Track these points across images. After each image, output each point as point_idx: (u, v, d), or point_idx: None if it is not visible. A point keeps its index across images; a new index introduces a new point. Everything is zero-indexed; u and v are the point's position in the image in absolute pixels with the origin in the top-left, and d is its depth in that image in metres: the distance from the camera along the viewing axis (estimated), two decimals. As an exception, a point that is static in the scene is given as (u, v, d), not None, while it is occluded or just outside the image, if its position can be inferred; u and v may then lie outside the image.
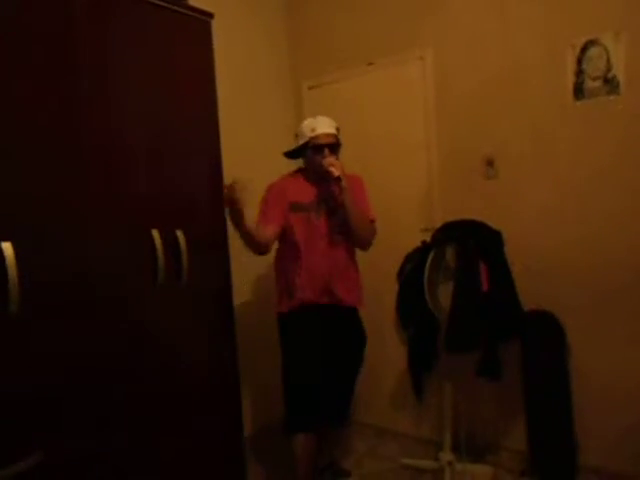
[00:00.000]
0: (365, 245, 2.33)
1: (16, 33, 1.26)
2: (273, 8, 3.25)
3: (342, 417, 2.49)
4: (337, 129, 2.27)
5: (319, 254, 2.23)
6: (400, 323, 2.87)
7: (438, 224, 2.59)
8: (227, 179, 1.86)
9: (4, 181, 1.22)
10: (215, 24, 1.82)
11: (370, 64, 2.95)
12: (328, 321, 2.28)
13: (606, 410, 2.33)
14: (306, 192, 2.27)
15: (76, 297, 1.37)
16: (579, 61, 2.30)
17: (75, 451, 1.35)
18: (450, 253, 2.38)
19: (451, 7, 2.64)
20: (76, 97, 1.39)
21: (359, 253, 2.43)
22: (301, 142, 2.26)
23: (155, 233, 1.56)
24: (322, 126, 2.22)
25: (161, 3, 1.62)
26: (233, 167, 2.13)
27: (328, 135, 2.21)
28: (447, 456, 2.48)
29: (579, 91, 2.31)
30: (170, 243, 1.61)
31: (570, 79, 2.32)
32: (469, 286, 2.25)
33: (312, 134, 2.20)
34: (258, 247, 2.12)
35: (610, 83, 2.23)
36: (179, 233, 1.63)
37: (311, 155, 2.23)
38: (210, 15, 1.80)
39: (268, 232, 2.15)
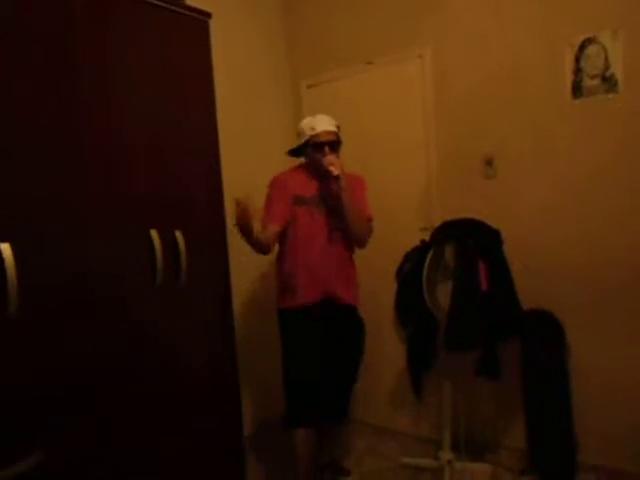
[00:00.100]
0: (361, 243, 2.35)
1: (16, 33, 1.26)
2: (271, 7, 3.25)
3: (342, 414, 2.50)
4: (337, 127, 2.29)
5: (319, 250, 2.25)
6: (399, 322, 2.87)
7: (437, 223, 2.59)
8: (226, 179, 1.87)
9: (3, 181, 1.22)
10: (213, 24, 1.82)
11: (369, 63, 2.95)
12: (328, 319, 2.29)
13: (605, 408, 2.33)
14: (308, 187, 2.29)
15: (75, 297, 1.37)
16: (577, 59, 2.30)
17: (75, 451, 1.35)
18: (449, 252, 2.38)
19: (450, 6, 2.63)
20: (76, 97, 1.39)
21: (359, 252, 2.44)
22: (302, 140, 2.28)
23: (154, 233, 1.56)
24: (322, 124, 2.23)
25: (159, 3, 1.62)
26: (232, 167, 2.13)
27: (328, 133, 2.22)
28: (447, 455, 2.49)
29: (577, 89, 2.31)
30: (169, 243, 1.61)
31: (568, 77, 2.32)
32: (468, 285, 2.25)
33: (312, 132, 2.22)
34: (262, 249, 2.15)
35: (608, 81, 2.23)
36: (178, 233, 1.63)
37: (311, 153, 2.25)
38: (208, 15, 1.80)
39: (270, 233, 2.17)
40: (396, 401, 3.00)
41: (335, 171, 2.13)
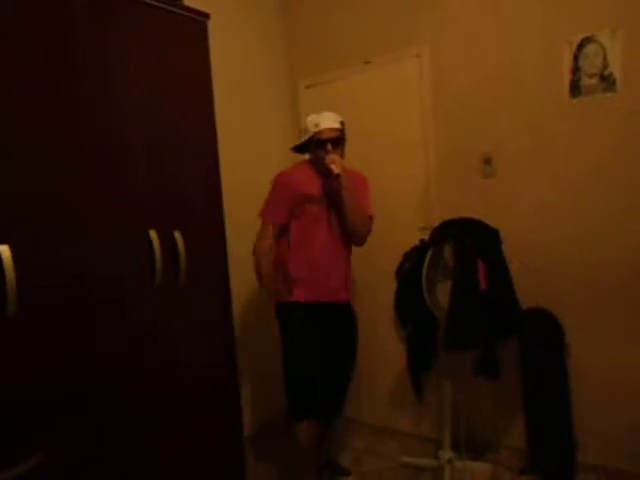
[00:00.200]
0: (360, 241, 2.37)
1: (16, 33, 1.26)
2: (269, 8, 3.25)
3: (338, 409, 2.51)
4: (342, 123, 2.30)
5: (321, 247, 2.27)
6: (399, 322, 2.87)
7: (436, 223, 2.59)
8: (225, 179, 1.87)
9: (2, 182, 1.22)
10: (211, 24, 1.82)
11: (367, 62, 2.95)
12: (324, 315, 2.31)
13: (604, 408, 2.33)
14: (314, 183, 2.30)
15: (74, 298, 1.37)
16: (575, 58, 2.30)
17: (75, 451, 1.35)
18: (448, 251, 2.38)
19: (448, 4, 2.64)
20: (75, 97, 1.39)
21: (359, 252, 2.45)
22: (306, 137, 2.30)
23: (153, 234, 1.56)
24: (326, 121, 2.25)
25: (157, 4, 1.62)
26: (230, 167, 2.13)
27: (331, 130, 2.25)
28: (447, 454, 2.49)
29: (575, 88, 2.31)
30: (168, 243, 1.61)
31: (567, 76, 2.33)
32: (467, 284, 2.25)
33: (315, 129, 2.25)
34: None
35: (606, 80, 2.24)
36: (177, 233, 1.64)
37: (315, 150, 2.28)
38: (206, 15, 1.80)
39: (269, 239, 2.27)
40: (396, 401, 3.00)
41: (336, 169, 2.15)
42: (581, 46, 2.28)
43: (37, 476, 1.25)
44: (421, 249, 2.44)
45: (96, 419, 1.41)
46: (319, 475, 2.47)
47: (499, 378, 2.37)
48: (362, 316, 2.60)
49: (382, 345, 2.97)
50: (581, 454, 2.34)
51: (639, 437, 2.25)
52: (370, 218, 2.35)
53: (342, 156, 2.27)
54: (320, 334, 2.29)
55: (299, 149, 2.43)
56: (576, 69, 2.30)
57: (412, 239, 2.60)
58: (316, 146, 2.27)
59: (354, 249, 2.42)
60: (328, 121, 2.25)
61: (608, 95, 2.24)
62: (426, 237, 2.53)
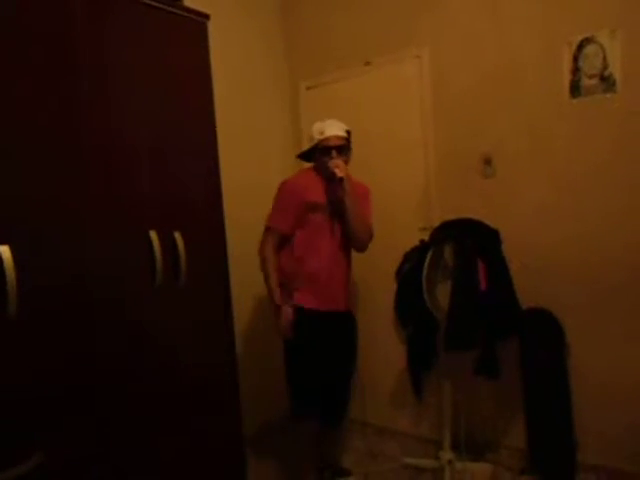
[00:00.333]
0: (361, 248, 2.38)
1: (16, 33, 1.26)
2: (269, 9, 3.25)
3: (340, 414, 2.52)
4: (348, 132, 2.32)
5: (329, 255, 2.28)
6: (399, 322, 2.87)
7: (436, 223, 2.59)
8: (225, 180, 1.87)
9: (2, 183, 1.22)
10: (211, 25, 1.82)
11: (367, 63, 2.95)
12: (326, 322, 2.31)
13: (605, 408, 2.33)
14: (320, 191, 2.30)
15: (74, 298, 1.37)
16: (575, 59, 2.30)
17: (75, 451, 1.35)
18: (448, 252, 2.38)
19: (447, 5, 2.64)
20: (75, 97, 1.39)
21: (357, 253, 2.46)
22: (311, 144, 2.32)
23: (153, 234, 1.57)
24: (331, 129, 2.26)
25: (157, 4, 1.62)
26: (231, 168, 2.14)
27: (337, 137, 2.26)
28: (447, 455, 2.49)
29: (575, 89, 2.32)
30: (168, 244, 1.61)
31: (566, 77, 2.33)
32: (467, 285, 2.25)
33: (321, 137, 2.26)
34: None
35: (606, 81, 2.24)
36: (177, 234, 1.64)
37: (319, 157, 2.29)
38: (206, 16, 1.80)
39: (273, 248, 2.29)
40: (396, 401, 3.00)
41: (339, 173, 2.17)
42: (581, 47, 2.28)
43: (37, 476, 1.25)
44: (421, 250, 2.45)
45: (96, 419, 1.41)
46: (320, 476, 2.48)
47: (499, 378, 2.37)
48: (362, 317, 2.61)
49: (382, 346, 2.97)
50: (581, 454, 2.34)
51: (639, 437, 2.25)
52: (370, 236, 2.37)
53: (347, 164, 2.28)
54: (321, 340, 2.30)
55: (305, 157, 2.44)
56: (576, 70, 2.31)
57: (412, 240, 2.60)
58: (321, 153, 2.27)
59: (354, 252, 2.42)
60: (333, 129, 2.26)
61: (608, 96, 2.24)
62: (426, 238, 2.53)
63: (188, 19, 1.74)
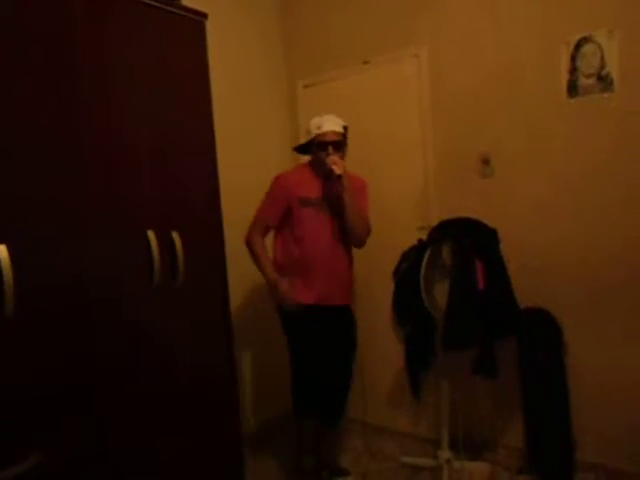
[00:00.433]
0: (360, 243, 2.39)
1: (16, 33, 1.26)
2: (267, 8, 3.25)
3: (339, 409, 2.52)
4: (345, 127, 2.33)
5: (324, 249, 2.29)
6: (397, 322, 2.88)
7: (434, 222, 2.59)
8: (223, 179, 1.87)
9: (0, 182, 1.22)
10: (209, 24, 1.82)
11: (365, 62, 2.95)
12: (326, 318, 2.33)
13: (603, 407, 2.33)
14: (313, 186, 2.32)
15: (72, 298, 1.37)
16: (573, 58, 2.30)
17: (73, 451, 1.35)
18: (446, 251, 2.38)
19: (446, 5, 2.64)
20: (75, 97, 1.39)
21: (357, 253, 2.47)
22: (308, 138, 2.32)
23: (151, 234, 1.56)
24: (328, 124, 2.27)
25: (155, 3, 1.61)
26: (229, 167, 2.13)
27: (334, 133, 2.26)
28: (445, 454, 2.49)
29: (573, 88, 2.32)
30: (166, 244, 1.61)
31: (564, 77, 2.33)
32: (465, 284, 2.25)
33: (318, 131, 2.27)
34: None
35: (604, 80, 2.24)
36: (175, 234, 1.63)
37: (316, 152, 2.30)
38: (204, 15, 1.80)
39: (259, 234, 2.33)
40: (394, 401, 3.00)
41: (337, 170, 2.17)
42: (578, 46, 2.29)
43: (35, 476, 1.25)
44: (419, 249, 2.45)
45: (94, 419, 1.41)
46: (318, 475, 2.48)
47: (497, 378, 2.37)
48: (360, 316, 2.61)
49: (380, 345, 2.97)
50: (579, 453, 2.35)
51: (638, 436, 2.25)
52: (368, 231, 2.38)
53: (343, 159, 2.29)
54: (320, 335, 2.32)
55: (301, 150, 2.44)
56: (574, 69, 2.31)
57: (410, 239, 2.60)
58: (317, 148, 2.28)
59: (354, 249, 2.43)
60: (331, 124, 2.27)
61: (605, 95, 2.24)
62: (424, 237, 2.53)
63: (186, 18, 1.74)
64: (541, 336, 2.40)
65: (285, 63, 3.34)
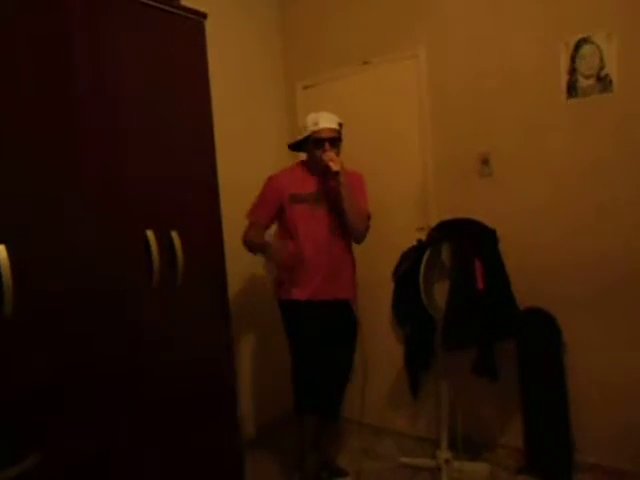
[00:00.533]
0: (359, 239, 2.39)
1: (15, 33, 1.25)
2: (267, 8, 3.25)
3: (337, 405, 2.54)
4: (340, 124, 2.34)
5: (320, 245, 2.29)
6: (396, 322, 2.88)
7: (433, 223, 2.60)
8: (222, 179, 1.87)
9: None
10: (208, 24, 1.82)
11: (365, 63, 2.95)
12: (326, 313, 2.34)
13: (602, 407, 2.34)
14: (307, 183, 2.33)
15: (72, 298, 1.37)
16: (572, 59, 2.31)
17: (73, 453, 1.35)
18: (446, 252, 2.39)
19: (445, 5, 2.64)
20: (75, 97, 1.39)
21: (356, 253, 2.46)
22: (303, 135, 2.32)
23: (150, 234, 1.56)
24: (324, 121, 2.28)
25: (154, 3, 1.61)
26: (228, 167, 2.13)
27: (330, 130, 2.27)
28: (444, 454, 2.49)
29: (572, 89, 2.32)
30: (165, 244, 1.61)
31: (564, 77, 2.33)
32: (465, 284, 2.26)
33: (314, 128, 2.27)
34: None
35: (603, 81, 2.24)
36: (174, 233, 1.63)
37: (312, 148, 2.30)
38: (203, 15, 1.79)
39: (257, 236, 2.33)
40: (393, 401, 3.00)
41: (334, 167, 2.18)
42: (578, 47, 2.29)
43: (35, 477, 1.24)
44: (418, 249, 2.45)
45: (94, 419, 1.41)
46: (318, 476, 2.48)
47: (497, 378, 2.37)
48: (360, 316, 2.60)
49: (380, 345, 2.97)
50: (579, 454, 2.35)
51: (637, 436, 2.25)
52: (368, 217, 2.36)
53: (338, 156, 2.29)
54: (320, 331, 2.33)
55: (296, 147, 2.44)
56: (573, 70, 2.31)
57: (409, 239, 2.60)
58: (313, 145, 2.28)
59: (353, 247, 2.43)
60: (327, 121, 2.28)
61: (604, 96, 2.25)
62: (423, 237, 2.54)
63: (185, 18, 1.74)
64: (540, 336, 2.40)
65: (284, 63, 3.34)
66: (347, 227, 2.31)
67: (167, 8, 1.66)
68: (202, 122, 1.80)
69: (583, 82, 2.29)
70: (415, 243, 2.54)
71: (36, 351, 1.29)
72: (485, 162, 2.58)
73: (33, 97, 1.30)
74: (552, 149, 2.40)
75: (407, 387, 2.68)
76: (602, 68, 2.24)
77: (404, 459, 2.64)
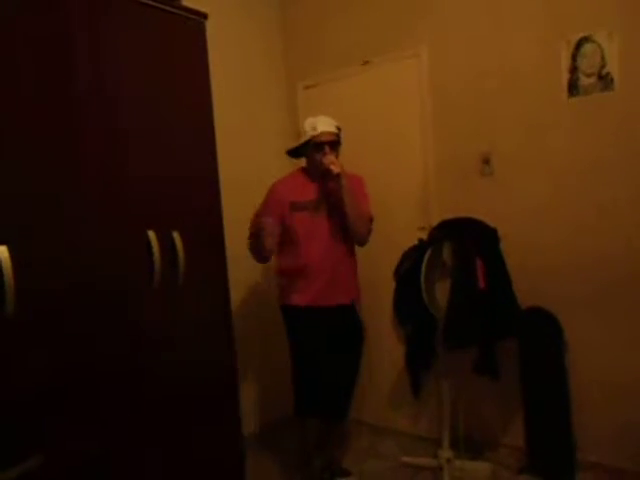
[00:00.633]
0: (362, 241, 2.39)
1: (15, 33, 1.26)
2: (267, 9, 3.25)
3: (343, 409, 2.53)
4: (338, 128, 2.34)
5: (321, 251, 2.29)
6: (397, 321, 2.88)
7: (435, 222, 2.60)
8: (223, 180, 1.87)
9: (0, 183, 1.22)
10: (209, 25, 1.82)
11: (366, 63, 2.95)
12: (330, 318, 2.34)
13: (604, 406, 2.33)
14: (307, 190, 2.33)
15: (73, 298, 1.37)
16: (573, 58, 2.30)
17: (74, 453, 1.35)
18: (447, 251, 2.39)
19: (446, 5, 2.64)
20: (75, 98, 1.39)
21: (357, 253, 2.46)
22: (302, 140, 2.32)
23: (151, 234, 1.56)
24: (323, 125, 2.28)
25: (155, 4, 1.61)
26: (229, 168, 2.13)
27: (329, 133, 2.27)
28: (446, 453, 2.49)
29: (574, 88, 2.32)
30: (166, 244, 1.61)
31: (565, 76, 2.33)
32: (466, 283, 2.26)
33: (313, 132, 2.28)
34: (265, 255, 2.25)
35: (604, 80, 2.24)
36: (175, 234, 1.63)
37: (312, 153, 2.30)
38: (204, 16, 1.79)
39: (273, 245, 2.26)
40: (395, 401, 3.00)
41: (335, 170, 2.18)
42: (579, 45, 2.29)
43: (36, 478, 1.24)
44: (420, 249, 2.45)
45: (95, 420, 1.41)
46: (320, 476, 2.48)
47: (498, 377, 2.37)
48: (362, 315, 2.61)
49: (381, 345, 2.97)
50: (580, 453, 2.35)
51: (637, 435, 2.25)
52: (370, 219, 2.36)
53: (337, 158, 2.29)
54: (324, 336, 2.32)
55: (294, 153, 2.44)
56: (574, 68, 2.31)
57: (411, 239, 2.60)
58: (313, 149, 2.28)
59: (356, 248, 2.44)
60: (325, 125, 2.28)
61: (606, 94, 2.24)
62: (425, 237, 2.53)
63: (186, 18, 1.74)
64: (542, 335, 2.40)
65: (285, 64, 3.34)
66: (349, 230, 2.31)
67: (168, 8, 1.66)
68: (203, 122, 1.80)
69: (584, 80, 2.29)
70: (416, 242, 2.54)
71: (37, 351, 1.29)
72: (486, 161, 2.58)
73: (33, 97, 1.30)
74: (553, 148, 2.39)
75: (408, 386, 2.68)
76: (603, 66, 2.24)
77: (406, 458, 2.64)
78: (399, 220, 2.88)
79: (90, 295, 1.41)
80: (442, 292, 2.36)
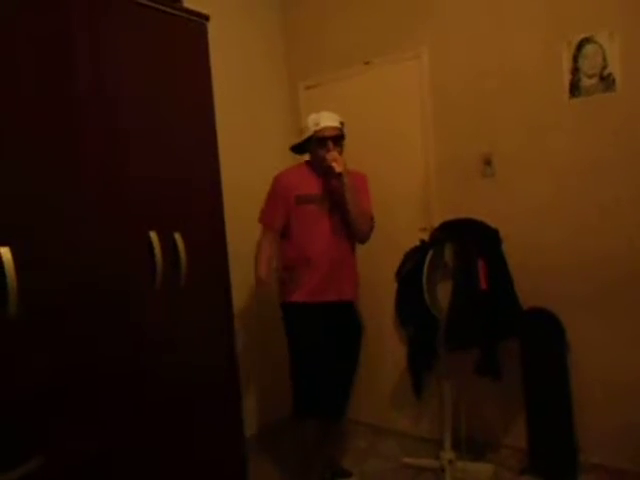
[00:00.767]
0: (363, 239, 2.39)
1: (15, 33, 1.26)
2: (269, 10, 3.25)
3: (341, 408, 2.53)
4: (342, 123, 2.34)
5: (323, 247, 2.30)
6: (399, 322, 2.87)
7: (436, 223, 2.59)
8: (225, 181, 1.87)
9: (2, 184, 1.22)
10: (211, 26, 1.82)
11: (367, 63, 2.95)
12: (329, 315, 2.33)
13: (606, 407, 2.33)
14: (312, 184, 2.33)
15: (75, 300, 1.37)
16: (575, 59, 2.30)
17: (76, 454, 1.35)
18: (449, 252, 2.39)
19: (447, 5, 2.64)
20: (75, 98, 1.39)
21: (358, 253, 2.46)
22: (305, 136, 2.32)
23: (153, 235, 1.56)
24: (326, 120, 2.28)
25: (157, 6, 1.61)
26: (231, 169, 2.14)
27: (332, 128, 2.27)
28: (447, 454, 2.48)
29: (575, 88, 2.32)
30: (168, 245, 1.61)
31: (566, 77, 2.33)
32: (468, 284, 2.25)
33: (316, 127, 2.27)
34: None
35: (606, 80, 2.24)
36: (177, 235, 1.63)
37: (315, 148, 2.30)
38: (206, 17, 1.80)
39: (269, 247, 2.34)
40: (396, 401, 3.00)
41: (338, 168, 2.18)
42: (580, 46, 2.29)
43: (36, 478, 1.24)
44: (421, 250, 2.45)
45: (97, 421, 1.41)
46: (320, 477, 2.48)
47: (500, 378, 2.37)
48: (363, 316, 2.61)
49: (383, 346, 2.97)
50: (583, 454, 2.35)
51: (638, 435, 2.24)
52: (371, 218, 2.36)
53: (341, 154, 2.29)
54: (323, 333, 2.32)
55: (298, 149, 2.44)
56: (575, 69, 2.31)
57: (412, 240, 2.60)
58: (316, 144, 2.28)
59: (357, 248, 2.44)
60: (328, 119, 2.28)
61: (607, 95, 2.24)
62: (426, 238, 2.53)
63: (187, 20, 1.74)
64: (544, 336, 2.40)
65: (287, 65, 3.34)
66: (350, 228, 2.31)
67: (169, 10, 1.67)
68: (205, 123, 1.81)
69: (586, 81, 2.29)
70: (418, 243, 2.54)
71: (39, 352, 1.29)
72: (487, 162, 2.58)
73: (33, 97, 1.30)
74: (555, 149, 2.39)
75: (410, 387, 2.68)
76: (605, 67, 2.24)
77: (407, 459, 2.64)
78: (400, 221, 2.88)
79: (92, 296, 1.41)
80: (444, 293, 2.36)
